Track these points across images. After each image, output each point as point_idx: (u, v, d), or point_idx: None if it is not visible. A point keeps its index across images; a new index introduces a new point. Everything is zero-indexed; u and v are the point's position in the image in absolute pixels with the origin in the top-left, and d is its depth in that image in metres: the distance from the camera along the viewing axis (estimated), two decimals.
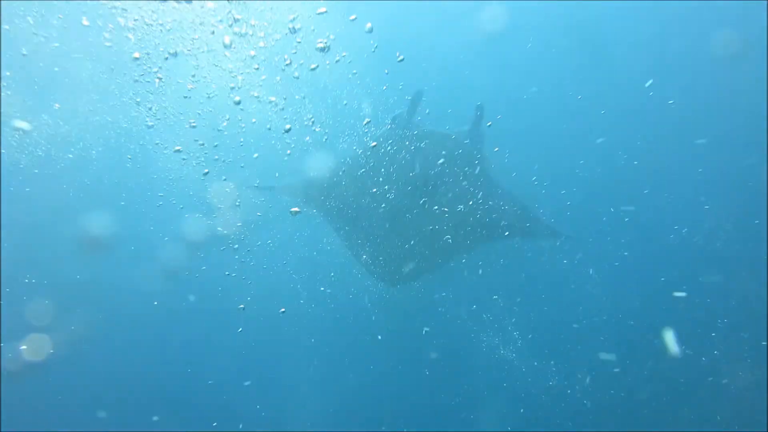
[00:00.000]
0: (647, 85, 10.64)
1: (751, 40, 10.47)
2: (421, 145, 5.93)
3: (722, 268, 11.47)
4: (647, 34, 11.24)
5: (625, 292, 12.09)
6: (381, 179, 6.35)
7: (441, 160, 6.03)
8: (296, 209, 10.12)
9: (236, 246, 10.45)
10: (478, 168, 6.22)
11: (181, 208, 10.25)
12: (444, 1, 10.45)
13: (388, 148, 6.10)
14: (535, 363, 12.13)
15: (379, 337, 11.97)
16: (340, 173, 6.71)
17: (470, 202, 6.37)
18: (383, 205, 6.57)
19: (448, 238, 6.82)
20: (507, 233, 6.83)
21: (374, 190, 6.48)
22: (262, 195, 9.95)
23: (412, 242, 6.80)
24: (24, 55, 9.18)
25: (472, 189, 6.29)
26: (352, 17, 8.25)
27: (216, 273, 11.37)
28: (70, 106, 10.21)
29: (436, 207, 6.40)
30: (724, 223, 11.43)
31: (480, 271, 10.17)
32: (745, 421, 10.46)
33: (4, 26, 8.60)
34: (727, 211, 11.43)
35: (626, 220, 11.90)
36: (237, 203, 9.77)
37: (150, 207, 10.54)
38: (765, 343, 10.55)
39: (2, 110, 9.62)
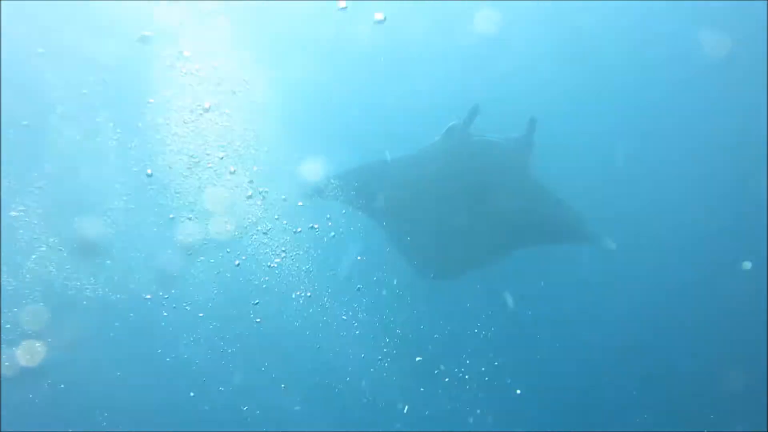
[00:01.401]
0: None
1: (752, 40, 10.49)
2: (476, 151, 6.38)
3: (722, 267, 11.48)
4: (650, 32, 11.25)
5: (624, 292, 12.10)
6: (435, 182, 6.87)
7: (495, 167, 6.50)
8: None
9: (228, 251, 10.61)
10: (530, 176, 6.71)
11: (172, 216, 10.36)
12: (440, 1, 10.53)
13: (443, 154, 6.58)
14: (533, 361, 12.18)
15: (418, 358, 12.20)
16: (396, 172, 7.31)
17: (521, 207, 6.85)
18: (435, 206, 7.15)
19: (495, 240, 7.42)
20: (552, 237, 7.54)
21: (427, 191, 7.05)
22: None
23: (459, 242, 7.45)
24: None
25: (523, 195, 6.78)
26: None
27: (213, 277, 11.44)
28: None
29: (487, 210, 6.89)
30: (723, 223, 11.44)
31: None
32: (745, 421, 10.45)
33: None
34: (728, 211, 11.42)
35: (625, 220, 11.89)
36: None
37: (147, 212, 10.63)
38: (765, 343, 10.55)
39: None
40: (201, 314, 11.92)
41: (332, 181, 8.13)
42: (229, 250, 10.86)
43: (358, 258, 11.18)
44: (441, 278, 8.68)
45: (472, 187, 6.65)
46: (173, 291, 11.61)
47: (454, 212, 7.00)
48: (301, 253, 10.64)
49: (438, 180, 6.80)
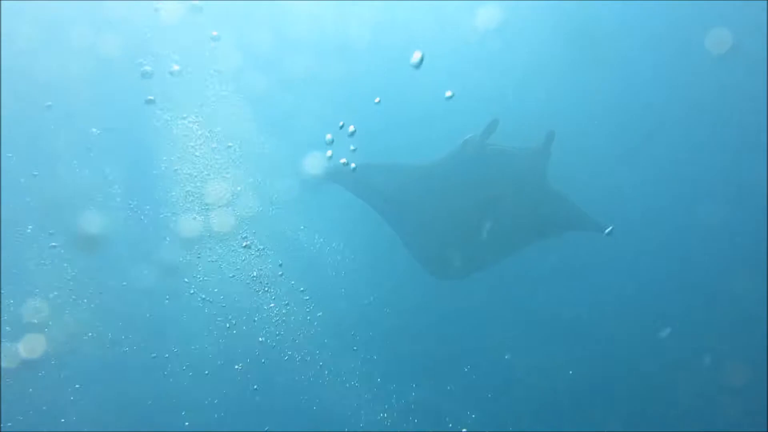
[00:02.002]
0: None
1: (751, 40, 10.47)
2: (492, 159, 6.54)
3: (722, 268, 11.51)
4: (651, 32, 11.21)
5: (624, 292, 12.12)
6: (451, 188, 7.10)
7: (511, 174, 6.70)
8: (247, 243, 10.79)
9: (246, 244, 10.53)
10: (546, 183, 6.90)
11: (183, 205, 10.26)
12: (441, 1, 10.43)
13: (460, 161, 6.73)
14: (532, 361, 12.20)
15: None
16: (411, 175, 7.51)
17: (533, 213, 7.12)
18: (448, 211, 7.38)
19: (505, 241, 7.72)
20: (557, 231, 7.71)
21: (442, 196, 7.29)
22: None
23: (470, 244, 7.66)
24: None
25: (536, 202, 7.01)
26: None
27: (216, 271, 11.36)
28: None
29: (500, 217, 7.12)
30: (723, 223, 11.46)
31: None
32: (745, 421, 10.53)
33: None
34: (728, 211, 11.45)
35: (624, 219, 11.88)
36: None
37: (147, 204, 10.53)
38: (765, 342, 10.62)
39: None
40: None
41: (344, 167, 8.12)
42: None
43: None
44: (448, 278, 9.00)
45: (488, 193, 6.78)
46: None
47: (469, 217, 7.15)
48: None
49: (454, 185, 6.95)
